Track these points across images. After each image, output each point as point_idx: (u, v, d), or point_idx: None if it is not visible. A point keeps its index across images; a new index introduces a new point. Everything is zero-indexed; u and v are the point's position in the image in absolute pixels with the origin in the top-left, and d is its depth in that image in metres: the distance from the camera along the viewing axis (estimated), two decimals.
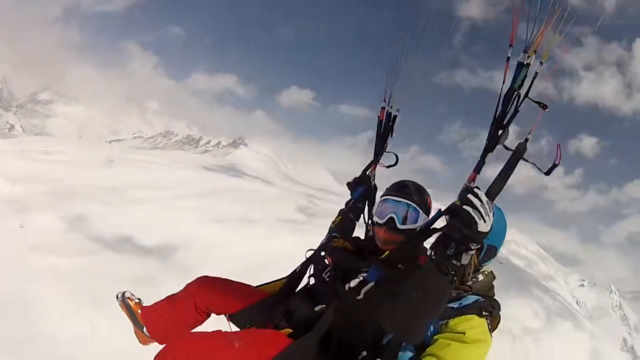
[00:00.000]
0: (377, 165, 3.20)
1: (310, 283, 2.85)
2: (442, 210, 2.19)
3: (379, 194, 3.03)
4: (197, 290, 2.84)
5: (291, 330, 2.40)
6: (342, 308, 2.33)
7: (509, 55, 2.01)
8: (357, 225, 3.18)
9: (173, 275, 6.43)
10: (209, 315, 2.89)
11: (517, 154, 1.98)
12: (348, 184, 3.24)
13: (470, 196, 1.92)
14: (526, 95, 2.00)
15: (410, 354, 2.54)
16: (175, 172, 14.80)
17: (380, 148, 3.17)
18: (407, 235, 2.59)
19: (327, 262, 2.72)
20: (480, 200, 1.91)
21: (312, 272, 2.82)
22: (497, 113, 2.03)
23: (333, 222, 3.12)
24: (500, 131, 2.01)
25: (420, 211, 2.62)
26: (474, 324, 2.48)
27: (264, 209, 12.03)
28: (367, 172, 3.22)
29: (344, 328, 2.38)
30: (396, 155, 3.18)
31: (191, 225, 9.08)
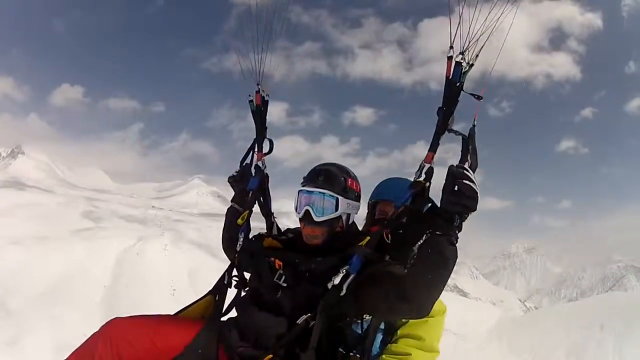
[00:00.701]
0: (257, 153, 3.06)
1: (241, 295, 2.67)
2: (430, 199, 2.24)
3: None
4: (117, 342, 2.23)
5: (271, 355, 2.18)
6: (327, 310, 2.19)
7: (451, 55, 2.20)
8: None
9: None
10: None
11: (472, 137, 2.19)
12: (234, 178, 3.06)
13: (464, 172, 2.05)
14: (461, 88, 2.19)
15: (380, 338, 2.64)
16: None
17: (262, 135, 3.06)
18: (330, 225, 2.50)
19: (275, 266, 2.42)
20: (471, 175, 2.07)
21: (253, 281, 2.58)
22: (444, 103, 2.22)
23: (241, 218, 2.87)
24: (449, 118, 2.21)
25: (339, 197, 2.48)
26: None
27: (53, 222, 12.50)
28: (257, 162, 3.05)
29: (328, 330, 2.22)
30: (271, 142, 3.07)
31: None
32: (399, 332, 2.65)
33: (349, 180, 2.58)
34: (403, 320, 2.66)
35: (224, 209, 3.17)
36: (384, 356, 2.61)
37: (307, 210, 2.47)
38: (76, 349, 2.33)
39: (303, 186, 2.56)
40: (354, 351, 2.44)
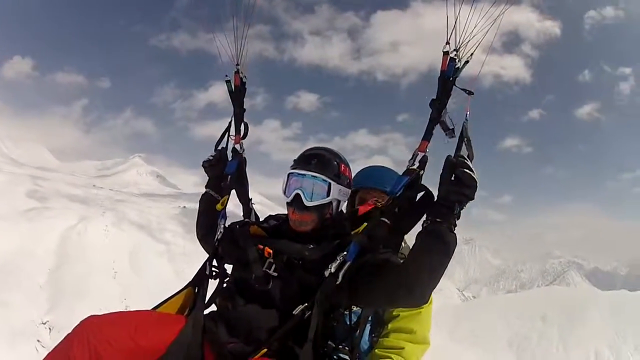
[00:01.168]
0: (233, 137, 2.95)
1: (223, 285, 2.54)
2: (426, 189, 2.21)
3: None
4: (94, 343, 2.03)
5: (266, 349, 2.08)
6: (325, 299, 2.12)
7: (446, 50, 2.23)
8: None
9: None
10: None
11: (465, 129, 2.19)
12: (210, 162, 2.91)
13: (464, 161, 2.05)
14: (453, 83, 2.21)
15: (368, 330, 2.65)
16: None
17: (240, 117, 2.94)
18: (320, 212, 2.41)
19: (264, 255, 2.32)
20: (469, 163, 2.07)
21: (239, 271, 2.47)
22: (438, 96, 2.22)
23: (221, 204, 2.74)
24: (442, 109, 2.21)
25: (332, 182, 2.40)
26: None
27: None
28: (234, 144, 2.92)
29: (323, 321, 2.14)
30: (247, 125, 2.96)
31: None
32: (389, 325, 2.63)
33: (342, 165, 2.51)
34: (393, 313, 2.64)
35: (163, 189, 3.10)
36: (376, 350, 2.58)
37: (297, 194, 2.37)
38: (51, 351, 2.11)
39: (294, 169, 2.46)
40: (343, 344, 2.40)
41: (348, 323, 2.37)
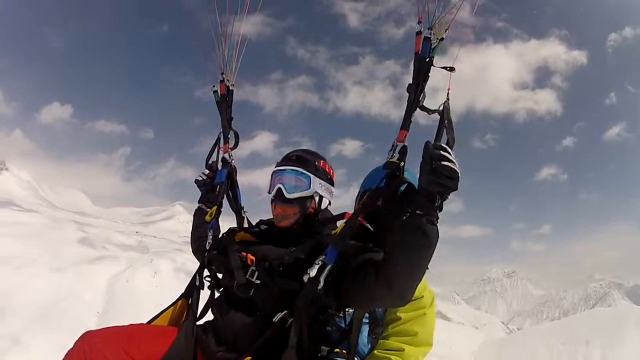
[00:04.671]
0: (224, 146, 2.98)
1: (216, 295, 2.54)
2: (403, 178, 2.13)
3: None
4: (90, 357, 2.16)
5: (250, 357, 2.09)
6: (306, 304, 2.06)
7: (420, 30, 2.12)
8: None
9: None
10: None
11: (447, 110, 2.08)
12: (203, 181, 2.97)
13: (442, 152, 1.90)
14: (431, 63, 2.10)
15: (366, 331, 2.58)
16: None
17: (228, 126, 2.98)
18: (302, 205, 2.41)
19: (247, 262, 2.29)
20: (450, 153, 1.92)
21: (225, 279, 2.43)
22: (414, 79, 2.11)
23: (209, 215, 2.79)
24: (420, 94, 2.11)
25: (311, 175, 2.42)
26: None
27: (40, 244, 12.13)
28: (223, 154, 2.97)
29: (310, 326, 2.10)
30: (236, 134, 2.99)
31: None
32: (390, 328, 2.57)
33: (322, 162, 2.54)
34: (396, 315, 2.57)
35: None
36: (376, 352, 2.53)
37: (279, 188, 2.41)
38: None
39: (275, 167, 2.51)
40: (340, 347, 2.37)
41: (342, 326, 2.36)
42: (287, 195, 2.40)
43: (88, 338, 2.23)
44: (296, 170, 2.44)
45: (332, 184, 2.58)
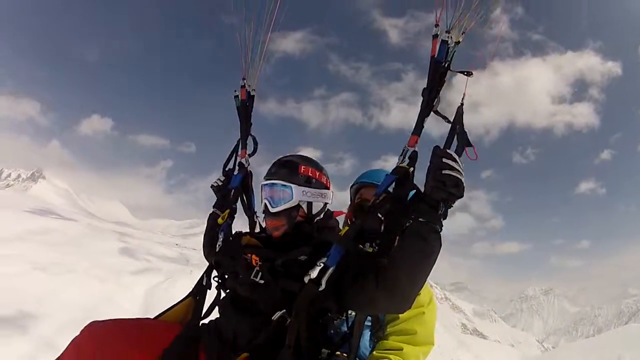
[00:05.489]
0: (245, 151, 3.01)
1: (223, 295, 2.55)
2: (415, 186, 2.14)
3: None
4: (91, 348, 2.20)
5: (247, 354, 2.09)
6: (305, 305, 2.05)
7: (436, 33, 2.13)
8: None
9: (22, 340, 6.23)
10: None
11: (459, 115, 2.09)
12: (218, 187, 3.03)
13: (448, 161, 1.93)
14: (448, 67, 2.12)
15: (368, 334, 2.57)
16: None
17: (246, 131, 3.02)
18: (288, 215, 2.41)
19: (252, 263, 2.29)
20: (456, 160, 1.94)
21: (229, 280, 2.47)
22: (429, 83, 2.13)
23: (222, 218, 2.80)
24: (435, 99, 2.13)
25: (292, 185, 2.39)
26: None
27: (78, 251, 12.11)
28: (240, 159, 3.00)
29: (307, 328, 2.08)
30: (255, 139, 3.02)
31: (14, 277, 8.73)
32: (389, 327, 2.54)
33: (302, 167, 2.47)
34: (394, 315, 2.53)
35: None
36: (375, 352, 2.51)
37: (264, 203, 2.44)
38: (58, 357, 2.28)
39: (262, 182, 2.52)
40: (341, 350, 2.35)
41: (344, 329, 2.39)
42: (271, 210, 2.41)
43: (92, 329, 2.28)
44: (276, 184, 2.42)
45: (320, 187, 2.50)
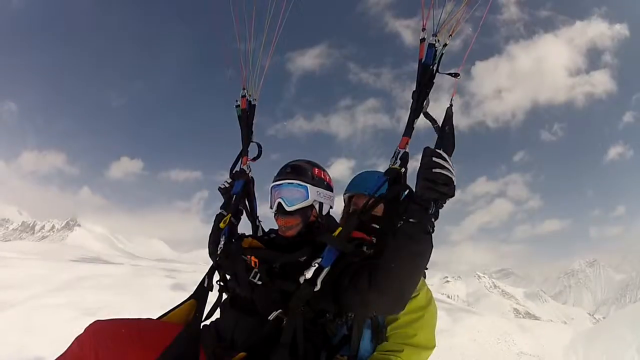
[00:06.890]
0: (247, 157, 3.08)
1: (224, 296, 2.62)
2: (404, 185, 2.18)
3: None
4: (94, 346, 2.26)
5: (245, 354, 2.14)
6: (300, 306, 2.12)
7: (423, 37, 2.18)
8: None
9: None
10: None
11: (449, 116, 2.13)
12: (225, 189, 3.07)
13: (438, 160, 1.94)
14: (437, 70, 2.16)
15: (369, 337, 2.53)
16: (29, 266, 14.25)
17: (247, 138, 3.08)
18: (303, 215, 2.47)
19: (251, 265, 2.35)
20: (446, 160, 1.96)
21: (230, 281, 2.56)
22: (418, 87, 2.18)
23: (223, 222, 2.85)
24: (424, 101, 2.17)
25: (308, 185, 2.47)
26: (420, 286, 2.55)
27: (124, 292, 12.18)
28: (241, 166, 3.06)
29: (305, 329, 2.15)
30: (259, 146, 3.07)
31: (65, 324, 8.83)
32: (389, 329, 2.52)
33: (316, 169, 2.58)
34: (395, 316, 2.51)
35: None
36: (375, 354, 2.48)
37: (279, 202, 2.48)
38: (61, 354, 2.35)
39: (273, 182, 2.57)
40: (340, 352, 2.37)
41: (345, 331, 2.41)
42: (287, 208, 2.46)
43: (95, 328, 2.33)
44: (292, 183, 2.49)
45: (329, 189, 2.63)
